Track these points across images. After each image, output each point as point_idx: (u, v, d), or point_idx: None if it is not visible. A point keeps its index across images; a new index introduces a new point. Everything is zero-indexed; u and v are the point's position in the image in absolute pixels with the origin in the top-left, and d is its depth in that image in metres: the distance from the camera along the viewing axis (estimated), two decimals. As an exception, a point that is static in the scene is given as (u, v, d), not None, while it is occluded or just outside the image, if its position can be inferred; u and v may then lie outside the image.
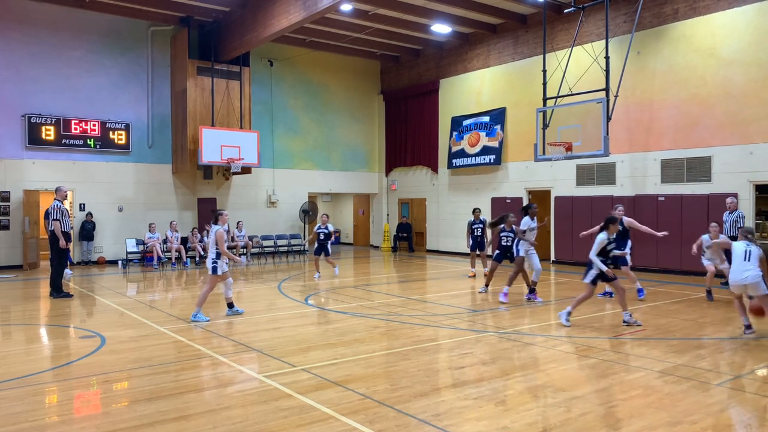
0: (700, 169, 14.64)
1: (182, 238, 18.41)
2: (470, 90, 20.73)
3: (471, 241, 14.87)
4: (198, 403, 5.41)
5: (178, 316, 9.77)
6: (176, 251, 17.79)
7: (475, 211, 15.14)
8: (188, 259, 18.16)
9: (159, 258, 17.48)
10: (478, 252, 14.93)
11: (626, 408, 5.24)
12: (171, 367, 6.66)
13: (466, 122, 20.77)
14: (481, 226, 14.81)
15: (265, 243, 20.65)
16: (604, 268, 8.47)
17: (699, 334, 8.25)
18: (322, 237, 14.38)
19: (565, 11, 16.54)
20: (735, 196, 13.46)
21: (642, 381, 6.06)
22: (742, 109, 13.85)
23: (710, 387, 5.81)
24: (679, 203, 14.86)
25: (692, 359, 6.83)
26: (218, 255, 9.21)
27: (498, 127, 19.57)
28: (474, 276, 14.66)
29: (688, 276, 14.32)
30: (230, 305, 9.73)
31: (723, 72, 14.18)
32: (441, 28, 19.33)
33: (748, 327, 7.93)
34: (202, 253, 18.46)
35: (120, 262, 17.94)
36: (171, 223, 18.25)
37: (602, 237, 8.60)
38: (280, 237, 21.23)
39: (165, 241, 18.02)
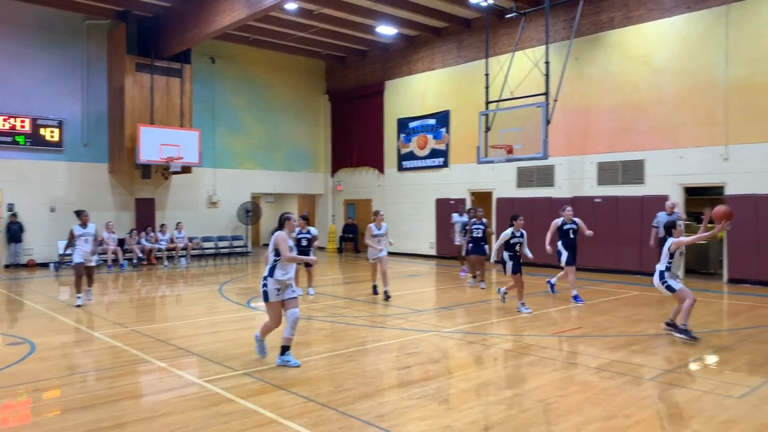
0: (634, 172, 15.23)
1: (119, 240, 17.79)
2: (415, 92, 20.90)
3: (470, 245, 13.08)
4: (134, 410, 5.23)
5: (114, 320, 9.42)
6: (113, 253, 17.17)
7: (470, 211, 13.61)
8: (125, 261, 17.55)
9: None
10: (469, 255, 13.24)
11: (564, 404, 5.39)
12: (106, 373, 6.41)
13: (412, 124, 20.94)
14: (482, 227, 12.92)
15: (206, 244, 20.21)
16: (509, 264, 10.17)
17: (633, 330, 8.57)
18: (305, 243, 11.59)
19: (507, 16, 16.91)
20: (667, 198, 14.10)
21: (579, 377, 6.24)
22: (672, 116, 14.50)
23: (643, 381, 6.05)
24: (614, 205, 15.42)
25: (626, 355, 7.09)
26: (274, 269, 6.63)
27: (444, 129, 19.83)
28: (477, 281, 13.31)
29: (622, 275, 14.86)
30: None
31: (655, 79, 14.81)
32: (386, 30, 19.40)
33: None
34: (141, 255, 17.92)
35: (51, 264, 17.17)
36: (107, 224, 17.58)
37: (506, 231, 10.15)
38: (221, 238, 20.81)
39: (101, 243, 17.34)
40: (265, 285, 6.51)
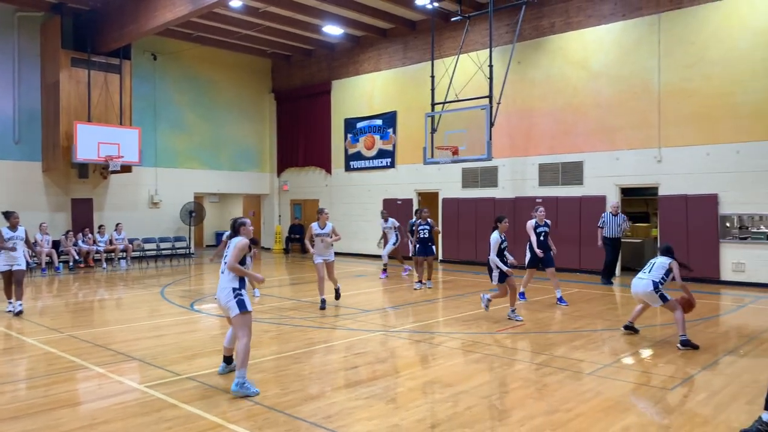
0: (573, 173, 15.72)
1: (54, 242, 17.07)
2: (362, 93, 20.93)
3: (418, 246, 12.98)
4: (72, 418, 5.04)
5: (48, 326, 9.03)
6: (47, 256, 16.46)
7: (424, 212, 13.22)
8: (60, 264, 16.86)
9: (27, 263, 16.04)
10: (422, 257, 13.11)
11: (508, 400, 5.51)
12: (40, 381, 6.15)
13: (359, 125, 20.95)
14: (428, 228, 12.94)
15: (147, 246, 19.63)
16: (504, 267, 9.01)
17: (573, 327, 8.85)
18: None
19: (452, 19, 17.15)
20: (604, 198, 14.64)
21: (522, 373, 6.40)
22: (609, 119, 15.05)
23: (583, 376, 6.26)
24: (554, 205, 15.86)
25: (567, 351, 7.32)
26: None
27: (390, 130, 19.95)
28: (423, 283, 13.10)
29: (562, 273, 15.28)
30: None
31: (593, 84, 15.33)
32: (332, 30, 19.34)
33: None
34: (77, 257, 17.26)
35: (-20, 268, 16.31)
36: (41, 225, 16.85)
37: (495, 237, 9.09)
38: (163, 239, 20.27)
39: (34, 245, 16.60)
40: (240, 294, 5.78)
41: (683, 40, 13.86)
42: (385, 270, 15.17)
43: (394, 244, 15.20)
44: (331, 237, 10.32)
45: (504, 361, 6.93)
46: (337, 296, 10.73)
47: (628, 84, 14.69)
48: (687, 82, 13.78)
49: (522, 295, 10.94)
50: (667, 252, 7.85)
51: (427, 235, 12.82)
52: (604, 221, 13.42)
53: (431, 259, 12.96)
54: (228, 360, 6.25)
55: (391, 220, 15.41)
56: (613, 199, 14.67)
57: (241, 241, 5.90)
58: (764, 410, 4.39)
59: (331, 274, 10.46)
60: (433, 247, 12.97)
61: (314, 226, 10.30)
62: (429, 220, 13.01)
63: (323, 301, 10.35)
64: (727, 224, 13.38)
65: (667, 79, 14.09)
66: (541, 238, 10.71)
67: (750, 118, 12.97)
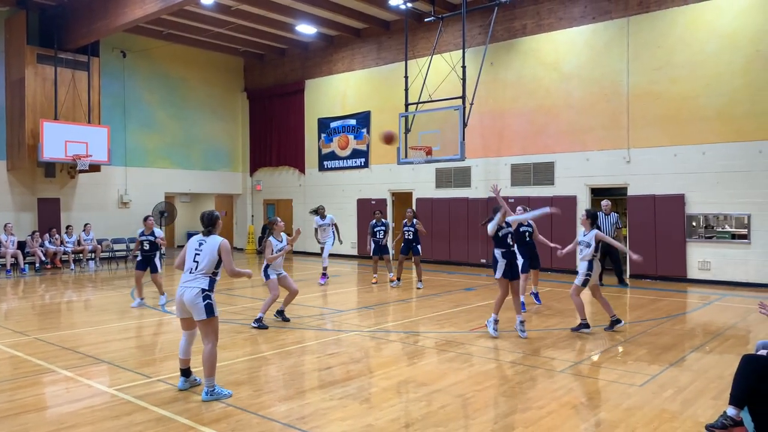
0: (545, 173, 15.91)
1: (19, 242, 16.67)
2: (336, 92, 20.88)
3: (372, 245, 13.45)
4: (38, 423, 4.92)
5: (13, 329, 8.81)
6: (12, 257, 16.06)
7: (376, 213, 13.81)
8: (26, 265, 16.46)
9: (-9, 265, 15.67)
10: (381, 256, 13.52)
11: (481, 398, 5.55)
12: (5, 385, 5.99)
13: (333, 124, 20.90)
14: (383, 228, 13.47)
15: (117, 247, 19.28)
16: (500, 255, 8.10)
17: (545, 325, 8.95)
18: (147, 248, 10.88)
19: (426, 20, 17.20)
20: (574, 198, 14.83)
21: (495, 372, 6.46)
22: (580, 120, 15.27)
23: (555, 374, 6.34)
24: (526, 204, 15.95)
25: (539, 349, 7.41)
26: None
27: (364, 130, 19.94)
28: (377, 282, 13.60)
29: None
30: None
31: (564, 85, 15.54)
32: (306, 29, 19.25)
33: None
34: (43, 258, 16.87)
35: (-59, 270, 15.87)
36: (5, 225, 16.44)
37: (493, 222, 8.23)
38: (133, 240, 19.89)
39: (-2, 246, 16.20)
40: (208, 297, 5.49)
41: (651, 44, 14.13)
42: (324, 274, 14.05)
43: (332, 244, 14.48)
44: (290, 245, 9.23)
45: (477, 359, 6.98)
46: (285, 318, 9.27)
47: (599, 86, 14.93)
48: (655, 85, 14.06)
49: (536, 296, 10.75)
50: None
51: (411, 237, 12.91)
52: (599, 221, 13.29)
53: (417, 258, 13.02)
54: (186, 372, 5.76)
55: (329, 216, 14.54)
56: (583, 199, 14.89)
57: (225, 243, 5.66)
58: (729, 405, 4.50)
59: (289, 285, 9.14)
60: (419, 247, 13.02)
61: (273, 241, 8.88)
62: (414, 220, 13.10)
63: (282, 313, 9.36)
64: (694, 224, 13.69)
65: (635, 82, 14.35)
66: (527, 238, 10.02)
67: (715, 120, 13.29)
